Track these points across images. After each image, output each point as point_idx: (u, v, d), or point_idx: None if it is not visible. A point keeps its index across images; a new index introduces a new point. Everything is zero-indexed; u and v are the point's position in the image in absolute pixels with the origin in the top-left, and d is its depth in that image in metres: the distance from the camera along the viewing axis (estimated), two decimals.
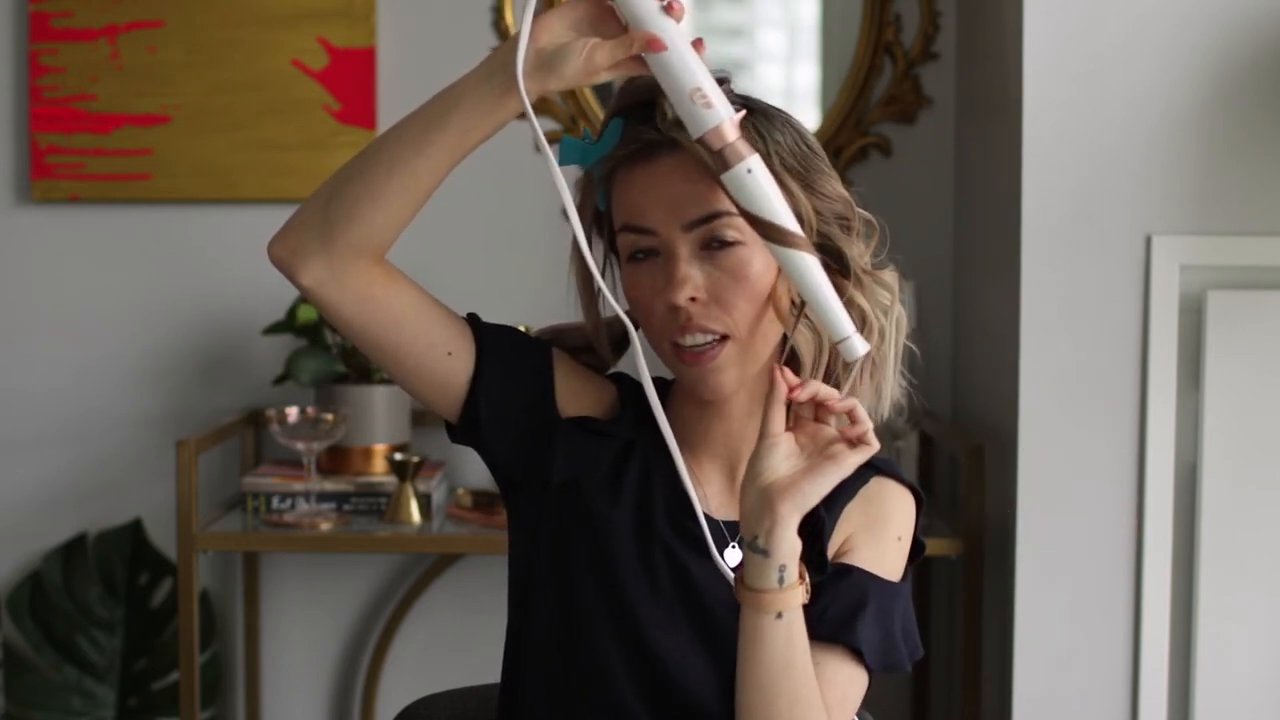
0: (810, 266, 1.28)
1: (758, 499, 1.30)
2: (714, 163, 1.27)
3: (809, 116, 2.98)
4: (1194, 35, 2.29)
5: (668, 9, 1.26)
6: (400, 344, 1.41)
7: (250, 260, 2.94)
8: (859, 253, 1.42)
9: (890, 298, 1.42)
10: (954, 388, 2.91)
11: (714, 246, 1.36)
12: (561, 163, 1.40)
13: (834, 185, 1.41)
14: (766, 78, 3.08)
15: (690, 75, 1.26)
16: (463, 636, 2.95)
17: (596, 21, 1.30)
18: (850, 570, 1.42)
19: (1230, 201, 2.30)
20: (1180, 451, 2.34)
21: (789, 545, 1.29)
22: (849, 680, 1.40)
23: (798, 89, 3.05)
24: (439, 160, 1.36)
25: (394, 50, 2.92)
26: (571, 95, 2.90)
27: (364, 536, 2.55)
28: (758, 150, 1.31)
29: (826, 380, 1.41)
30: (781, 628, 1.31)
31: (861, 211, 1.44)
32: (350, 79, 2.88)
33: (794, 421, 1.32)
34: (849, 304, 1.37)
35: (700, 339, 1.37)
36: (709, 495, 1.47)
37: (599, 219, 1.45)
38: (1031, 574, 2.35)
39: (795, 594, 1.30)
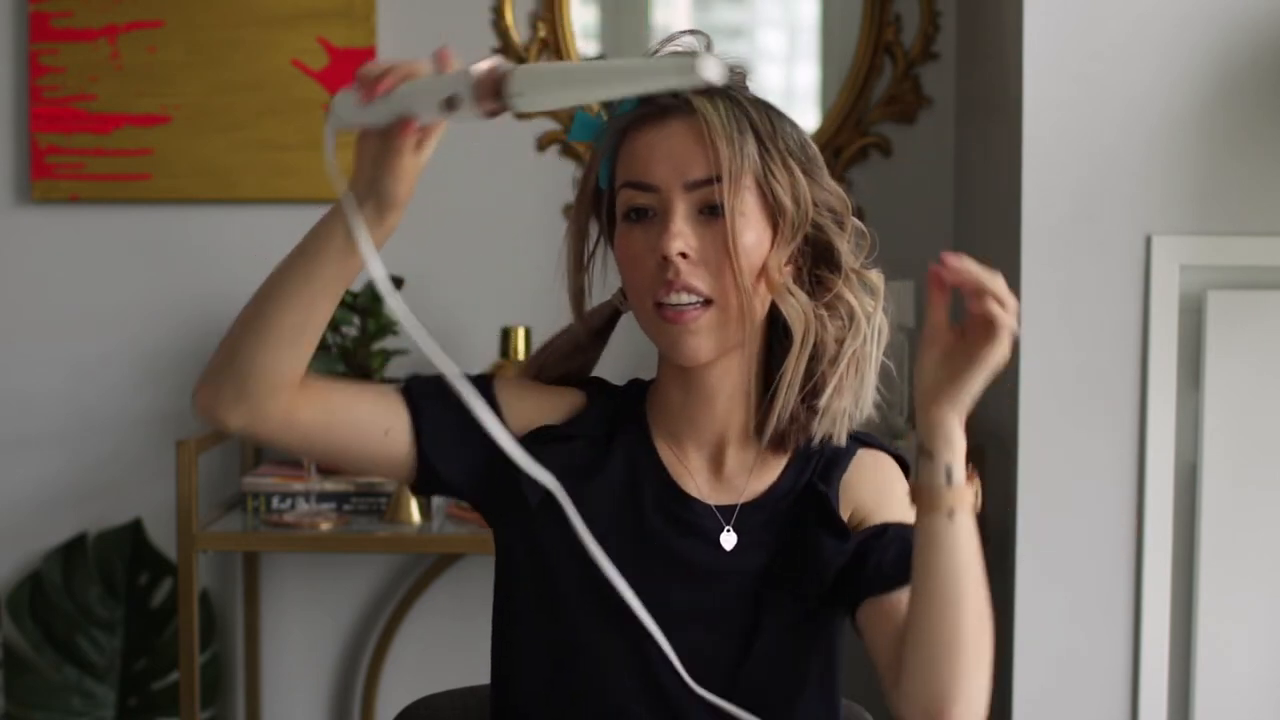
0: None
1: (919, 403, 1.32)
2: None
3: (809, 116, 2.98)
4: (1194, 35, 2.29)
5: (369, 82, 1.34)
6: (335, 443, 1.44)
7: (250, 260, 2.93)
8: (849, 250, 1.44)
9: (875, 302, 1.45)
10: None
11: (710, 214, 1.38)
12: (572, 137, 1.46)
13: (833, 183, 1.45)
14: (766, 78, 3.08)
15: (438, 85, 1.28)
16: (463, 636, 2.95)
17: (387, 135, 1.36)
18: (885, 527, 1.44)
19: (1230, 201, 2.30)
20: (1180, 451, 2.34)
21: (954, 445, 1.30)
22: None
23: (798, 89, 3.05)
24: (325, 298, 1.38)
25: (394, 50, 2.92)
26: None
27: (364, 536, 2.55)
28: (763, 130, 1.37)
29: (814, 361, 1.42)
30: (955, 530, 1.31)
31: (856, 221, 1.46)
32: (350, 79, 2.87)
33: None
34: (837, 298, 1.42)
35: (685, 298, 1.38)
36: (698, 482, 1.47)
37: (597, 200, 1.47)
38: (1031, 574, 2.35)
39: (965, 493, 1.31)
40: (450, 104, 1.26)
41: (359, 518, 2.61)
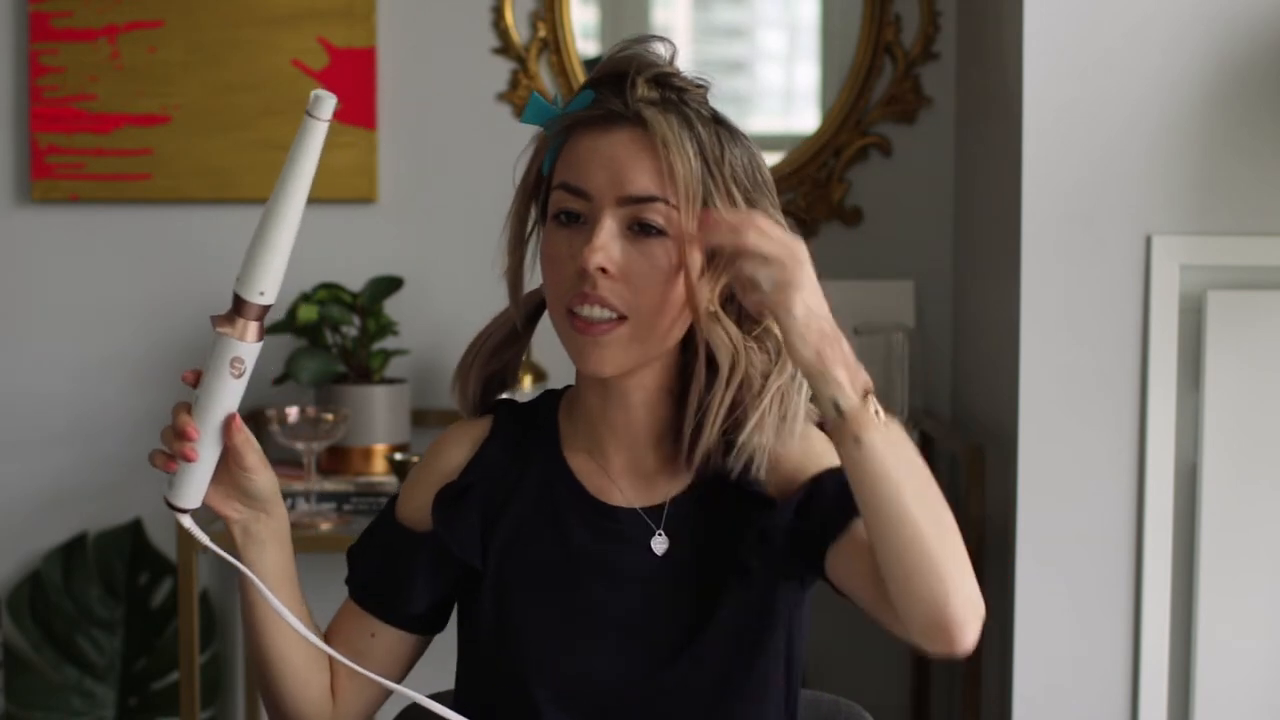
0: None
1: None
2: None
3: (809, 116, 2.98)
4: (1194, 35, 2.29)
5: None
6: (383, 692, 1.54)
7: None
8: None
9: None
10: (954, 387, 2.91)
11: (638, 231, 1.36)
12: (524, 119, 1.44)
13: (777, 212, 1.40)
14: (766, 78, 3.08)
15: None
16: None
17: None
18: (817, 477, 1.40)
19: (1230, 201, 2.30)
20: (1180, 451, 2.34)
21: (828, 377, 1.25)
22: None
23: (798, 89, 3.05)
24: (279, 633, 1.47)
25: (394, 50, 2.92)
26: (571, 95, 2.89)
27: None
28: (713, 155, 1.37)
29: (737, 391, 1.39)
30: (866, 452, 1.25)
31: None
32: (350, 79, 2.88)
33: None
34: (765, 331, 1.39)
35: (598, 313, 1.36)
36: (621, 486, 1.46)
37: (539, 183, 1.45)
38: (1031, 574, 2.35)
39: (861, 415, 1.25)
40: (235, 365, 1.38)
41: (359, 518, 2.61)
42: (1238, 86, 2.29)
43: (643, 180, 1.35)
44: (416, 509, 1.50)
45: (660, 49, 1.41)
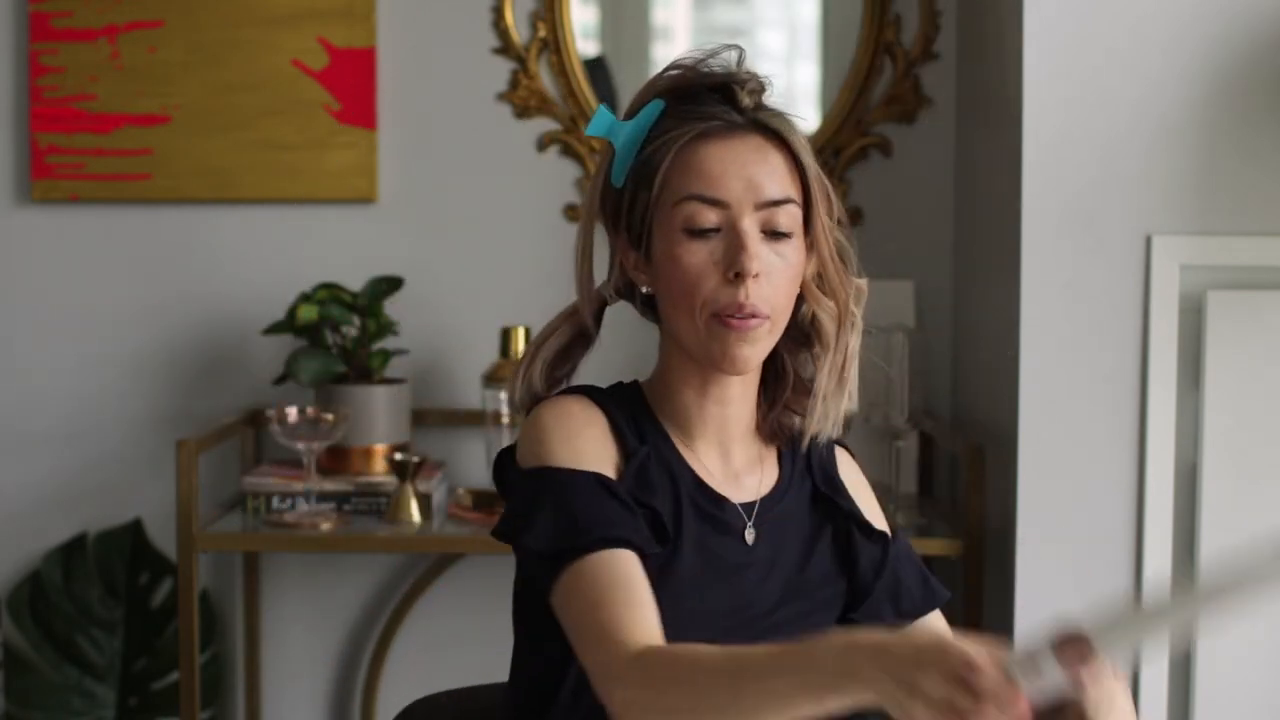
0: None
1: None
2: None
3: (809, 117, 2.98)
4: (1194, 35, 2.29)
5: None
6: None
7: (250, 260, 2.94)
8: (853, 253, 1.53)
9: (859, 303, 1.53)
10: (954, 387, 2.91)
11: (771, 234, 1.43)
12: (590, 131, 1.48)
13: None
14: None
15: None
16: (463, 636, 2.95)
17: None
18: (885, 539, 1.54)
19: (1230, 201, 2.30)
20: (1180, 451, 2.34)
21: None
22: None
23: (798, 89, 3.05)
24: None
25: (394, 50, 2.92)
26: (570, 95, 2.90)
27: (364, 536, 2.55)
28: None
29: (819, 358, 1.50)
30: None
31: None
32: (350, 79, 2.88)
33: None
34: (833, 296, 1.50)
35: (748, 316, 1.41)
36: (717, 481, 1.50)
37: (606, 195, 1.48)
38: (1031, 574, 2.35)
39: None
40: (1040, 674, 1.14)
41: (359, 518, 2.61)
42: (1238, 86, 2.29)
43: (776, 184, 1.43)
44: (592, 464, 1.43)
45: (730, 56, 1.48)
